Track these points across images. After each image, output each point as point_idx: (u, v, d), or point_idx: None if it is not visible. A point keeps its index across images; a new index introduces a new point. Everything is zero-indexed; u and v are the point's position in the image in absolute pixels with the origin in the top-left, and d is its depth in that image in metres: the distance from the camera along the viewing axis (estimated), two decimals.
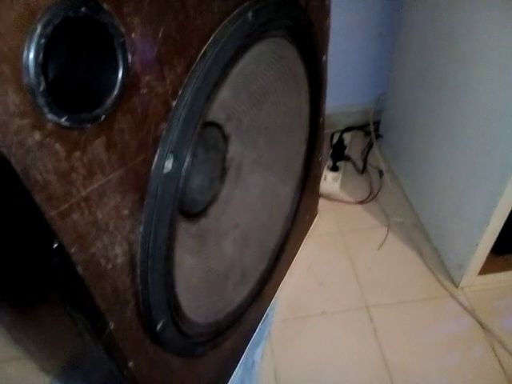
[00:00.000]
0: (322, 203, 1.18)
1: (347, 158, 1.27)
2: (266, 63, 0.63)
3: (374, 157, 1.30)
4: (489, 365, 0.88)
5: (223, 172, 0.76)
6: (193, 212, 0.71)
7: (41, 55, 0.27)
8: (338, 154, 1.27)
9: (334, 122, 1.35)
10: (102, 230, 0.38)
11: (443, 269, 1.04)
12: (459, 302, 0.98)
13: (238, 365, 0.83)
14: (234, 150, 0.76)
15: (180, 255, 0.56)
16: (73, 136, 0.32)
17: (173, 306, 0.52)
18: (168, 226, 0.46)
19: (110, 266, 0.40)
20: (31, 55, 0.27)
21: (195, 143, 0.48)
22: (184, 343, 0.58)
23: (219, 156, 0.74)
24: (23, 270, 0.43)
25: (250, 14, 0.49)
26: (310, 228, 1.13)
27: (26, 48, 0.27)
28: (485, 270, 0.98)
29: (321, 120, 0.91)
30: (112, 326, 0.43)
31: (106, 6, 0.31)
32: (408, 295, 1.00)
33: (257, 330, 0.90)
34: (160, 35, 0.38)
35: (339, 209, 1.20)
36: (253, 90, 0.68)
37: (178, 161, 0.44)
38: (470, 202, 0.92)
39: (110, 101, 0.34)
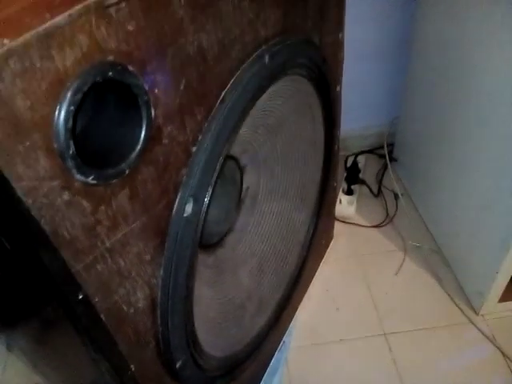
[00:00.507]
0: (338, 227, 1.18)
1: (362, 182, 1.27)
2: (283, 98, 0.64)
3: (389, 180, 1.30)
4: None
5: (239, 202, 0.77)
6: (209, 243, 0.72)
7: (70, 121, 0.29)
8: (353, 177, 1.27)
9: (348, 145, 1.35)
10: (124, 277, 0.39)
11: (462, 295, 1.03)
12: (479, 330, 0.96)
13: None
14: (249, 180, 0.77)
15: (198, 288, 0.57)
16: (99, 191, 0.33)
17: (192, 344, 0.53)
18: (188, 267, 0.47)
19: (131, 310, 0.41)
20: (61, 122, 0.28)
21: (214, 184, 0.49)
22: (202, 378, 0.58)
23: (235, 187, 0.75)
24: (45, 308, 0.44)
25: (266, 58, 0.50)
26: (326, 252, 1.12)
27: (56, 116, 0.28)
28: (506, 297, 0.96)
29: (335, 147, 0.92)
30: (133, 367, 0.43)
31: (131, 68, 0.32)
32: (427, 322, 0.99)
33: (274, 357, 0.90)
34: (181, 87, 0.39)
35: (355, 232, 1.20)
36: (269, 122, 0.69)
37: (198, 203, 0.45)
38: (487, 227, 0.91)
39: (133, 155, 0.35)
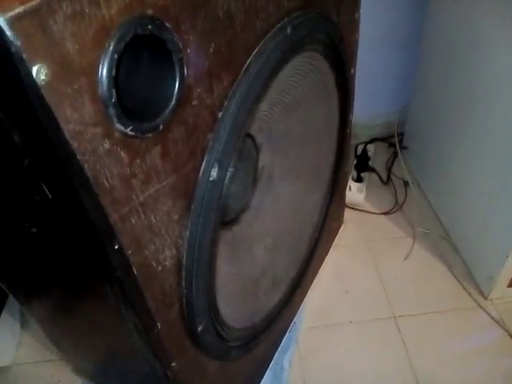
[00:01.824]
0: (347, 213, 1.19)
1: (371, 169, 1.28)
2: (300, 76, 0.66)
3: (398, 168, 1.30)
4: None
5: (254, 180, 0.78)
6: (227, 219, 0.73)
7: (113, 69, 0.30)
8: (362, 165, 1.28)
9: (358, 133, 1.36)
10: (155, 234, 0.40)
11: (472, 280, 1.03)
12: (488, 314, 0.97)
13: (268, 370, 0.84)
14: (265, 159, 0.78)
15: (218, 262, 0.58)
16: (135, 144, 0.34)
17: (213, 310, 0.54)
18: (212, 231, 0.48)
19: (159, 268, 0.42)
20: (105, 69, 0.29)
21: (237, 152, 0.50)
22: (221, 346, 0.60)
23: (252, 165, 0.76)
24: (79, 267, 0.45)
25: (289, 30, 0.51)
26: (336, 237, 1.13)
27: (101, 62, 0.29)
28: None
29: (348, 130, 0.93)
30: (159, 326, 0.45)
31: (168, 24, 0.34)
32: (436, 306, 1.00)
33: (285, 337, 0.91)
34: (211, 50, 0.40)
35: (364, 219, 1.21)
36: (286, 101, 0.70)
37: (222, 169, 0.47)
38: (499, 213, 0.92)
39: (167, 111, 0.36)
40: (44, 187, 0.33)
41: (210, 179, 0.45)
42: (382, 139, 1.39)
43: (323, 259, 1.07)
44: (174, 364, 0.50)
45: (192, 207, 0.45)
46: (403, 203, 1.22)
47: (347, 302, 1.02)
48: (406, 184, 1.25)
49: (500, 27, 0.83)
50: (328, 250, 1.09)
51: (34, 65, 0.25)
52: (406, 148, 1.32)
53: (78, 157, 0.30)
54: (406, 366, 0.90)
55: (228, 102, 0.45)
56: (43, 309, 0.65)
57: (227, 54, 0.43)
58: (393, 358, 0.91)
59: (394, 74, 1.32)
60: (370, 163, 1.30)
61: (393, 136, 1.34)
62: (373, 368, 0.90)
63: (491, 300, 0.99)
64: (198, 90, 0.40)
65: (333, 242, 1.11)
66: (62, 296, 0.53)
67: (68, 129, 0.28)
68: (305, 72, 0.66)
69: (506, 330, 0.94)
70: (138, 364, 0.54)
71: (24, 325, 1.02)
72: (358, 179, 1.26)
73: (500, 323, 0.95)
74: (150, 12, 0.32)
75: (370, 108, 1.35)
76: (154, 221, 0.39)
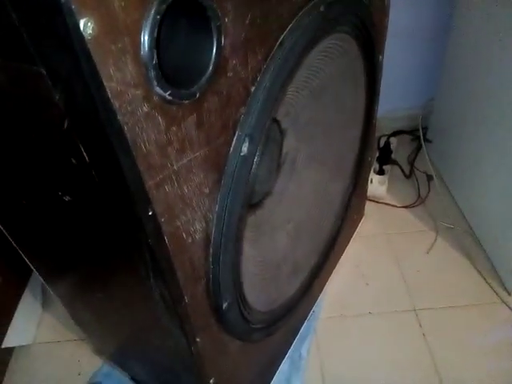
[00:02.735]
0: (368, 206, 1.18)
1: (394, 162, 1.26)
2: (330, 58, 0.65)
3: (421, 162, 1.29)
4: None
5: (278, 166, 0.78)
6: (251, 203, 0.73)
7: (155, 30, 0.30)
8: (385, 157, 1.27)
9: (381, 125, 1.34)
10: (186, 205, 0.40)
11: (495, 275, 1.01)
12: (511, 309, 0.95)
13: (286, 357, 0.84)
14: (289, 144, 0.77)
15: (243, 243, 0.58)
16: (172, 110, 0.34)
17: (237, 288, 0.54)
18: (240, 207, 0.48)
19: (189, 240, 0.42)
20: (148, 30, 0.29)
21: (267, 131, 0.50)
22: (243, 326, 0.60)
23: (276, 149, 0.76)
24: (110, 239, 0.45)
25: (322, 8, 0.51)
26: (357, 229, 1.12)
27: (143, 23, 0.29)
28: None
29: (373, 120, 0.92)
30: (187, 299, 0.45)
31: None
32: (458, 300, 0.98)
33: (304, 325, 0.91)
34: (247, 21, 0.40)
35: (385, 212, 1.19)
36: (314, 85, 0.69)
37: (253, 143, 0.46)
38: None
39: (204, 79, 0.36)
40: (82, 150, 0.33)
41: (241, 154, 0.45)
42: (406, 132, 1.37)
43: (344, 250, 1.07)
44: (198, 339, 0.50)
45: (222, 182, 0.45)
46: (426, 197, 1.21)
47: (367, 294, 1.01)
48: (429, 178, 1.23)
49: None
50: (348, 241, 1.08)
51: (82, 18, 0.25)
52: (430, 141, 1.30)
53: (119, 117, 0.30)
54: (426, 359, 0.88)
55: (261, 77, 0.45)
56: (68, 284, 0.66)
57: (263, 27, 0.42)
58: (412, 351, 0.90)
59: (419, 67, 1.30)
60: (393, 156, 1.29)
61: (416, 129, 1.32)
62: (391, 360, 0.89)
63: None
64: (234, 62, 0.40)
65: (353, 233, 1.10)
66: (90, 268, 0.54)
67: (110, 87, 0.28)
68: (334, 54, 0.65)
69: None
70: (163, 339, 0.55)
71: (45, 304, 1.04)
72: (380, 172, 1.24)
73: None
74: None
75: (394, 100, 1.33)
76: (186, 191, 0.39)
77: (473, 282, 1.01)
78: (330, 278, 1.02)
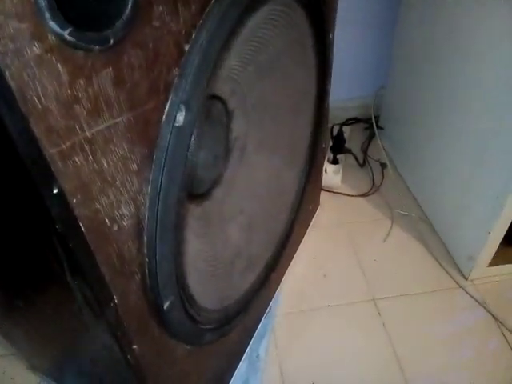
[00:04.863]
0: (324, 196, 1.14)
1: (347, 151, 1.23)
2: (278, 29, 0.59)
3: (375, 150, 1.27)
4: (503, 357, 0.84)
5: (227, 152, 0.72)
6: (196, 192, 0.66)
7: None
8: (338, 147, 1.23)
9: (334, 114, 1.31)
10: (107, 183, 0.33)
11: (451, 261, 1.01)
12: (469, 294, 0.94)
13: (243, 358, 0.78)
14: (237, 128, 0.71)
15: (187, 235, 0.51)
16: (78, 58, 0.27)
17: (181, 285, 0.47)
18: (179, 188, 0.41)
19: (115, 227, 0.35)
20: None
21: (207, 101, 0.43)
22: (191, 328, 0.53)
23: (223, 133, 0.70)
24: (16, 235, 0.37)
25: None
26: (313, 219, 1.08)
27: None
28: (495, 261, 0.95)
29: (326, 103, 0.88)
30: (116, 299, 0.37)
31: None
32: (416, 287, 0.96)
33: (261, 324, 0.85)
34: None
35: (341, 201, 1.16)
36: (261, 60, 0.64)
37: (191, 113, 0.40)
38: (478, 189, 0.89)
39: (120, 24, 0.29)
40: None
41: (176, 124, 0.38)
42: (359, 120, 1.35)
43: (299, 242, 1.02)
44: (135, 346, 0.42)
45: (154, 157, 0.38)
46: (380, 185, 1.19)
47: (325, 286, 0.97)
48: (383, 166, 1.22)
49: (482, 7, 0.79)
50: (304, 233, 1.03)
51: None
52: (382, 128, 1.29)
53: None
54: (387, 350, 0.85)
55: (196, 34, 0.38)
56: None
57: None
58: (373, 342, 0.87)
59: (370, 56, 1.29)
60: (346, 145, 1.26)
61: (369, 118, 1.30)
62: (353, 353, 0.85)
63: (471, 280, 0.97)
64: (160, 9, 0.33)
65: (309, 224, 1.05)
66: (4, 279, 0.45)
67: None
68: (281, 24, 0.60)
69: (488, 311, 0.91)
70: (95, 349, 0.47)
71: None
72: (334, 161, 1.21)
73: (481, 303, 0.92)
74: None
75: (346, 89, 1.31)
76: (105, 166, 0.32)
77: (429, 268, 1.00)
78: (287, 271, 0.97)
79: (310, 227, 1.07)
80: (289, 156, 0.83)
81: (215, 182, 0.71)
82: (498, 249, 0.93)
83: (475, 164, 0.89)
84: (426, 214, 1.10)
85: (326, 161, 1.20)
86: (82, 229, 0.31)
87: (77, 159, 0.29)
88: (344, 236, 1.07)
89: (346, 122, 1.33)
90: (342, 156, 1.23)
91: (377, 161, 1.24)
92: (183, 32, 0.37)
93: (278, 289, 0.94)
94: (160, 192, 0.39)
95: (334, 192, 1.18)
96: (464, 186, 0.93)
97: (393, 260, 1.02)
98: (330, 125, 1.30)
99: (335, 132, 1.28)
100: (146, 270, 0.41)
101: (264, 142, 0.77)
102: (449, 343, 0.87)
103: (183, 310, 0.49)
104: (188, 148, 0.41)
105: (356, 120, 1.35)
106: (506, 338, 0.86)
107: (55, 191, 0.28)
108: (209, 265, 0.63)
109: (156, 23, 0.33)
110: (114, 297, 0.37)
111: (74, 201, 0.30)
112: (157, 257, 0.41)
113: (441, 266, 1.00)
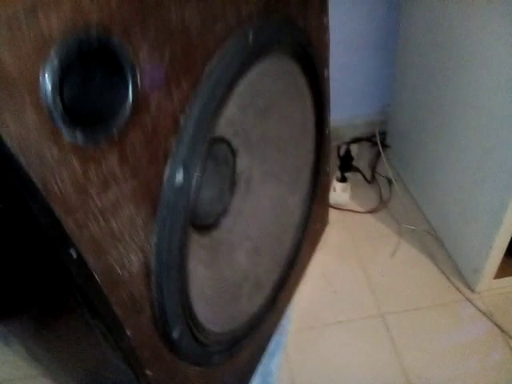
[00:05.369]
0: (333, 214, 1.20)
1: (355, 169, 1.28)
2: (271, 78, 0.66)
3: (382, 167, 1.31)
4: (510, 368, 0.87)
5: (233, 185, 0.79)
6: (204, 224, 0.73)
7: (56, 78, 0.30)
8: (346, 165, 1.29)
9: (341, 134, 1.37)
10: (117, 239, 0.40)
11: (458, 274, 1.04)
12: (476, 307, 0.97)
13: (255, 374, 0.84)
14: (242, 163, 0.78)
15: (194, 266, 0.58)
16: (88, 151, 0.34)
17: (188, 315, 0.54)
18: (180, 235, 0.48)
19: (125, 273, 0.42)
20: (47, 77, 0.30)
21: (204, 156, 0.50)
22: (200, 352, 0.60)
23: (228, 170, 0.76)
24: (42, 282, 0.45)
25: (250, 35, 0.52)
26: (321, 238, 1.14)
27: (41, 70, 0.29)
28: (501, 273, 0.98)
29: (326, 130, 0.93)
30: (129, 333, 0.45)
31: (115, 37, 0.34)
32: (424, 301, 1.00)
33: (273, 340, 0.91)
34: (166, 57, 0.40)
35: (350, 219, 1.21)
36: (259, 104, 0.70)
37: (188, 173, 0.47)
38: (479, 204, 0.92)
39: (121, 119, 0.36)
40: None
41: (176, 183, 0.45)
42: (366, 139, 1.40)
43: (309, 261, 1.07)
44: (148, 372, 0.50)
45: (158, 212, 0.45)
46: (388, 201, 1.23)
47: (335, 302, 1.02)
48: (389, 182, 1.26)
49: (475, 24, 0.83)
50: (313, 252, 1.09)
51: None
52: (388, 147, 1.33)
53: (21, 159, 0.29)
54: (395, 364, 0.89)
55: (189, 106, 0.45)
56: (20, 325, 0.65)
57: (184, 60, 0.43)
58: (382, 356, 0.91)
59: (374, 74, 1.34)
60: (354, 163, 1.31)
61: (375, 135, 1.35)
62: (362, 367, 0.90)
63: (478, 293, 1.00)
64: (156, 96, 0.40)
65: (318, 243, 1.11)
66: (32, 311, 0.53)
67: (8, 132, 0.28)
68: (275, 75, 0.66)
69: (495, 323, 0.94)
70: (116, 375, 0.54)
71: (9, 341, 1.01)
72: (343, 179, 1.26)
73: (488, 316, 0.95)
74: (94, 25, 0.32)
75: (352, 108, 1.36)
76: (115, 226, 0.39)
77: (436, 281, 1.03)
78: (298, 289, 1.02)
79: (319, 245, 1.12)
80: (293, 182, 0.89)
81: (222, 213, 0.78)
82: (504, 261, 0.96)
83: (477, 178, 0.92)
84: (433, 228, 1.14)
85: (334, 179, 1.26)
86: (97, 278, 0.39)
87: (90, 226, 0.37)
88: (353, 252, 1.12)
89: (353, 140, 1.38)
90: (350, 174, 1.28)
91: (384, 177, 1.28)
92: (178, 108, 0.44)
93: (290, 306, 0.99)
94: (164, 240, 0.46)
95: (343, 209, 1.23)
96: (467, 200, 0.97)
97: (400, 275, 1.06)
98: (337, 143, 1.36)
99: (343, 151, 1.33)
100: (155, 304, 0.48)
101: (268, 172, 0.84)
102: (456, 355, 0.90)
103: (191, 337, 0.56)
104: (188, 201, 0.48)
105: (363, 138, 1.40)
106: (511, 349, 0.89)
107: (74, 257, 0.35)
108: (216, 291, 0.70)
109: (153, 108, 0.40)
110: (127, 331, 0.44)
111: (89, 259, 0.37)
112: (164, 293, 0.48)
113: (448, 279, 1.03)
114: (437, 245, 1.11)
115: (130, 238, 0.42)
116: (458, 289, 1.01)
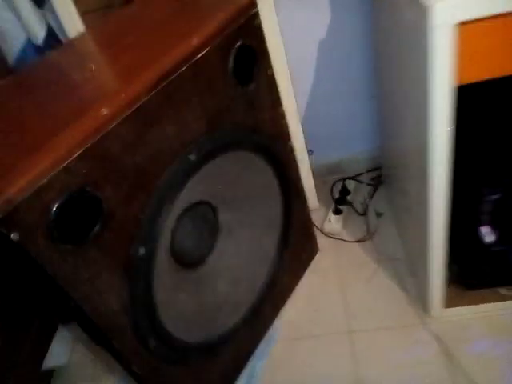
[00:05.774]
0: (326, 241, 1.43)
1: (349, 203, 1.50)
2: (230, 164, 0.92)
3: (377, 200, 1.51)
4: None
5: (216, 231, 1.06)
6: (192, 262, 1.02)
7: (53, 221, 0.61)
8: (341, 199, 1.50)
9: (339, 169, 1.58)
10: (102, 293, 0.71)
11: (420, 300, 1.22)
12: (428, 330, 1.15)
13: (241, 376, 1.12)
14: (222, 216, 1.06)
15: (172, 297, 0.87)
16: (77, 251, 0.65)
17: (159, 331, 0.83)
18: (145, 286, 0.78)
19: (110, 311, 0.73)
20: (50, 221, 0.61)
21: (163, 231, 0.79)
22: (176, 356, 0.89)
23: (210, 222, 1.05)
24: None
25: (192, 155, 0.80)
26: (311, 263, 1.38)
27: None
28: (453, 303, 1.14)
29: (292, 190, 1.17)
30: (116, 344, 0.76)
31: (88, 189, 0.64)
32: (388, 322, 1.20)
33: (260, 347, 1.18)
34: (126, 188, 0.70)
35: (340, 246, 1.43)
36: (226, 179, 0.97)
37: (148, 248, 0.76)
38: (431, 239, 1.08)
39: (92, 233, 0.67)
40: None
41: (139, 255, 0.75)
42: (362, 174, 1.60)
43: (297, 282, 1.32)
44: (134, 367, 0.80)
45: (129, 273, 0.75)
46: (374, 232, 1.43)
47: (314, 319, 1.26)
48: (378, 215, 1.45)
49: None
50: (301, 275, 1.34)
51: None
52: (382, 182, 1.52)
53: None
54: (352, 374, 1.11)
55: (146, 207, 0.74)
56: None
57: (139, 182, 0.72)
58: (342, 367, 1.13)
59: (368, 114, 1.51)
60: (351, 197, 1.52)
61: (370, 170, 1.55)
62: (324, 376, 1.13)
63: (435, 318, 1.17)
64: (119, 209, 0.70)
65: (305, 269, 1.35)
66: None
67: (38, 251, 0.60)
68: (234, 162, 0.93)
69: (443, 346, 1.11)
70: None
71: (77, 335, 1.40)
72: (337, 212, 1.49)
73: (436, 339, 1.13)
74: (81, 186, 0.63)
75: (349, 146, 1.57)
76: (99, 283, 0.70)
77: (402, 306, 1.23)
78: (286, 304, 1.28)
79: (309, 268, 1.36)
80: (267, 227, 1.15)
81: (208, 253, 1.06)
82: (456, 293, 1.13)
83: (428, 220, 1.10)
84: (407, 259, 1.33)
85: (330, 211, 1.49)
86: (88, 313, 0.70)
87: (84, 288, 0.68)
88: (337, 277, 1.35)
89: (353, 177, 1.59)
90: (344, 207, 1.50)
91: (375, 211, 1.48)
92: (137, 211, 0.73)
93: (277, 318, 1.25)
94: (133, 290, 0.76)
95: (335, 238, 1.45)
96: (422, 235, 1.14)
97: (373, 298, 1.27)
98: (335, 178, 1.58)
99: (339, 186, 1.55)
100: (133, 326, 0.79)
101: (244, 220, 1.10)
102: (404, 371, 1.10)
103: (166, 345, 0.86)
104: (151, 267, 0.78)
105: (360, 174, 1.60)
106: (451, 371, 1.07)
107: (75, 304, 0.67)
108: (197, 312, 0.99)
109: (118, 215, 0.70)
110: (114, 343, 0.75)
111: (84, 306, 0.68)
112: (138, 320, 0.78)
113: (411, 304, 1.22)
114: (407, 273, 1.29)
115: (109, 292, 0.72)
116: (417, 313, 1.20)
